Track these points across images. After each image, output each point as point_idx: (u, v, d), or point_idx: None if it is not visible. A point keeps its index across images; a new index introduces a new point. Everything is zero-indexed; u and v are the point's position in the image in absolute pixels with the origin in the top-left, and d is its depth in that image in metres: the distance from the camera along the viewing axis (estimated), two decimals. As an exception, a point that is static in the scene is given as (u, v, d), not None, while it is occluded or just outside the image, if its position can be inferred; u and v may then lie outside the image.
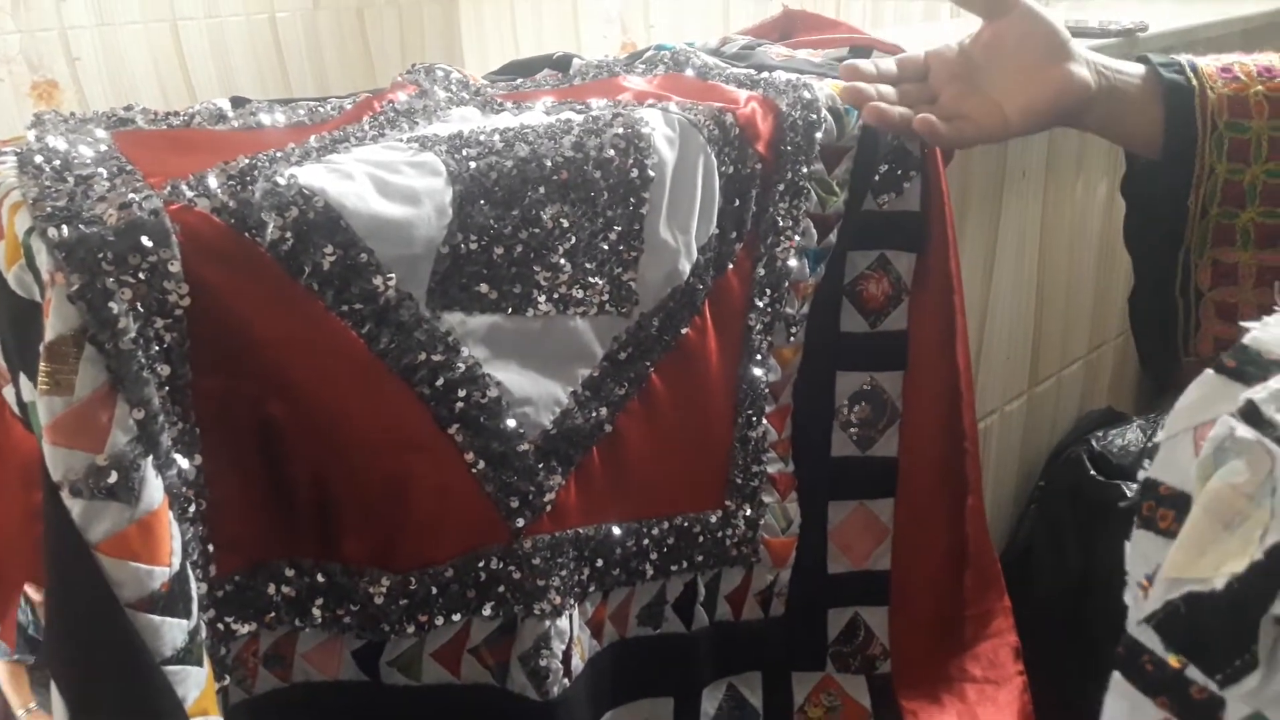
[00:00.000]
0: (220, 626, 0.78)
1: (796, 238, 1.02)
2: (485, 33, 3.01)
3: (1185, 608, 0.51)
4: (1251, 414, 0.51)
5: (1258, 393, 0.52)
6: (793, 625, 1.09)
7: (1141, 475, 0.60)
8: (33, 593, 0.80)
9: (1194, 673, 0.53)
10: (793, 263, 1.03)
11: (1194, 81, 0.97)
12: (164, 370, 0.70)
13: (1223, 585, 0.49)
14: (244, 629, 0.80)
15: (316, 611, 0.82)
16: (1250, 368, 0.54)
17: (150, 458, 0.67)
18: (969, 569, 1.13)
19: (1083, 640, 1.32)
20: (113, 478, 0.64)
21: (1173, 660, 0.54)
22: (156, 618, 0.66)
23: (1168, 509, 0.56)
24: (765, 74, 1.04)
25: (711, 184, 0.94)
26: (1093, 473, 1.47)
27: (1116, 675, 0.58)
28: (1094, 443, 1.50)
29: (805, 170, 1.00)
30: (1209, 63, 0.98)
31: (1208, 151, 0.96)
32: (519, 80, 1.14)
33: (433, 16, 2.94)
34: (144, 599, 0.66)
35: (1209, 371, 0.57)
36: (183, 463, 0.72)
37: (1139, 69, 0.99)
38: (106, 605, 0.64)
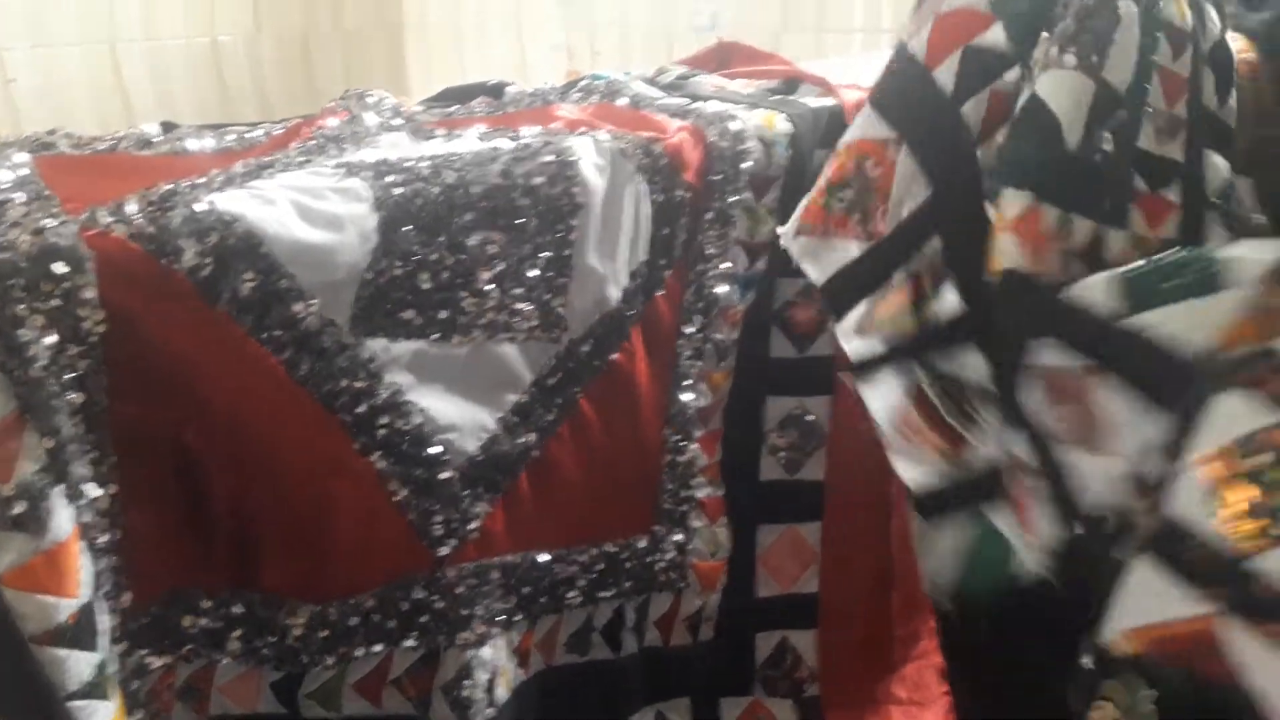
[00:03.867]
0: (134, 659, 0.77)
1: (725, 264, 1.04)
2: (432, 61, 3.00)
3: None
4: None
5: None
6: (721, 649, 1.10)
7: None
8: None
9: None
10: (722, 289, 1.04)
11: None
12: (77, 398, 0.69)
13: None
14: (159, 662, 0.79)
15: (234, 643, 0.81)
16: None
17: (60, 487, 0.66)
18: (896, 590, 1.15)
19: (1012, 661, 1.34)
20: (19, 508, 0.63)
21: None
22: (63, 651, 0.65)
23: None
24: (696, 104, 1.06)
25: (641, 212, 0.96)
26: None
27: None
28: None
29: (734, 199, 1.02)
30: None
31: None
32: (453, 107, 1.15)
33: (378, 44, 2.94)
34: (49, 632, 0.64)
35: None
36: (95, 491, 0.71)
37: None
38: (9, 639, 0.63)
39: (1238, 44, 0.87)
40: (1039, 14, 0.79)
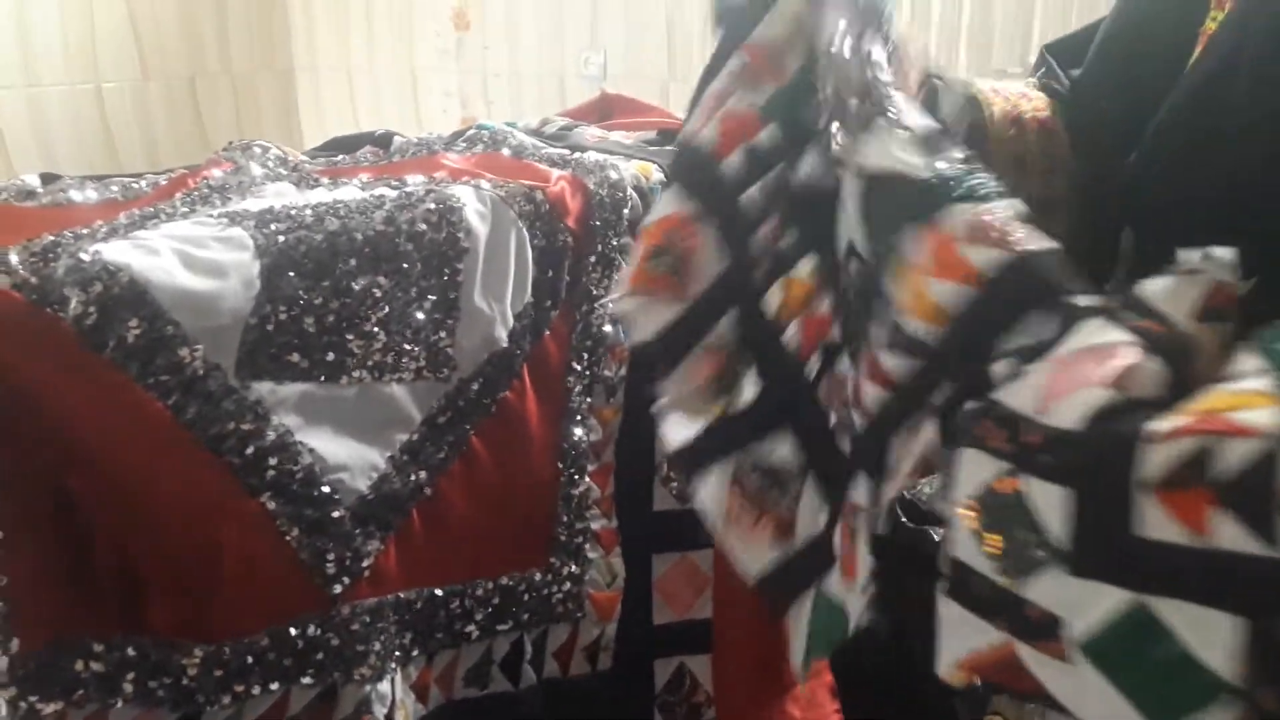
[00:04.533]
0: (24, 707, 0.76)
1: (610, 305, 1.08)
2: (324, 106, 3.00)
3: None
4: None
5: None
6: (620, 678, 1.12)
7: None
8: None
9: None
10: (607, 328, 1.08)
11: None
12: (-43, 447, 0.69)
13: None
14: (50, 708, 0.78)
15: (128, 686, 0.80)
16: None
17: (-62, 536, 0.66)
18: (784, 612, 1.19)
19: (898, 678, 1.40)
20: (-102, 558, 0.63)
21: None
22: (-54, 700, 0.64)
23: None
24: (577, 154, 1.11)
25: (524, 256, 1.00)
26: (903, 519, 1.56)
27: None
28: (904, 491, 1.59)
29: (615, 243, 1.07)
30: None
31: None
32: (340, 157, 1.17)
33: (269, 88, 2.93)
34: (-70, 682, 0.64)
35: None
36: (-25, 541, 0.71)
37: None
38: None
39: (1033, 103, 0.94)
40: (805, 111, 0.85)
